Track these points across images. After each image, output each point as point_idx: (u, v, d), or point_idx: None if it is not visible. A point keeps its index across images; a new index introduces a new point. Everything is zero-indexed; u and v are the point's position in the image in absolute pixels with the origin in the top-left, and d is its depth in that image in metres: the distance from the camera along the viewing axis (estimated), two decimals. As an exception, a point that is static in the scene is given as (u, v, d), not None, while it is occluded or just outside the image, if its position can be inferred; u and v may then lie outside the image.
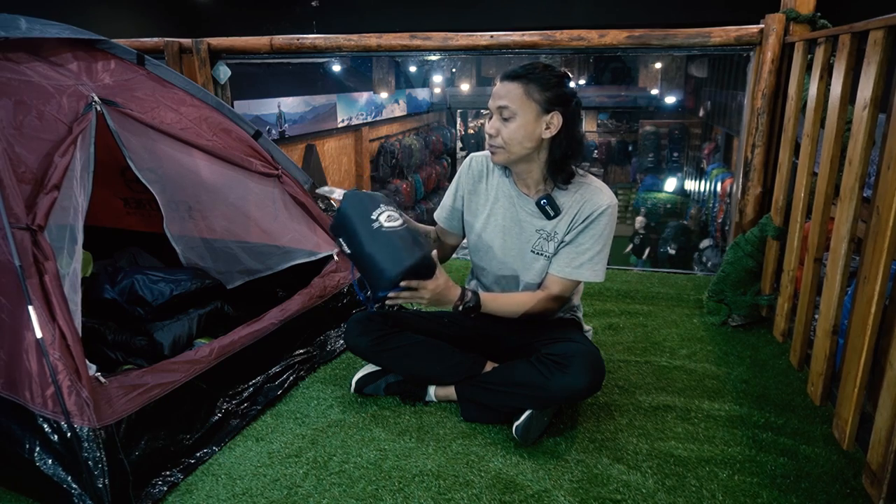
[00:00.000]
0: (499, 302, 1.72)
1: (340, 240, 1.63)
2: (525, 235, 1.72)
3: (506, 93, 1.59)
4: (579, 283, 1.74)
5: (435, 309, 1.73)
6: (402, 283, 1.55)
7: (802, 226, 2.04)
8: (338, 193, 1.69)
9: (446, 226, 1.88)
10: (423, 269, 1.56)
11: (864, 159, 1.56)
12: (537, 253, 1.72)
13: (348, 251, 1.62)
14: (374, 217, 1.57)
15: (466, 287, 1.71)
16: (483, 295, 1.70)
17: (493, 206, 1.76)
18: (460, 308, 1.65)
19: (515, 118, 1.59)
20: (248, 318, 1.95)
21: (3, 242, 1.42)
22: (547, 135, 1.61)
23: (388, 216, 1.58)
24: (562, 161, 1.64)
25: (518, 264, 1.75)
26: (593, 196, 1.66)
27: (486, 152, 1.76)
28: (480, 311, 1.67)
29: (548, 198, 1.66)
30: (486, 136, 1.66)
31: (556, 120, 1.59)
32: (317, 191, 1.67)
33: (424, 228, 1.90)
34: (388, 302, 1.60)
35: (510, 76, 1.60)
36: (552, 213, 1.67)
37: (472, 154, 1.85)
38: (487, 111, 1.66)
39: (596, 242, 1.67)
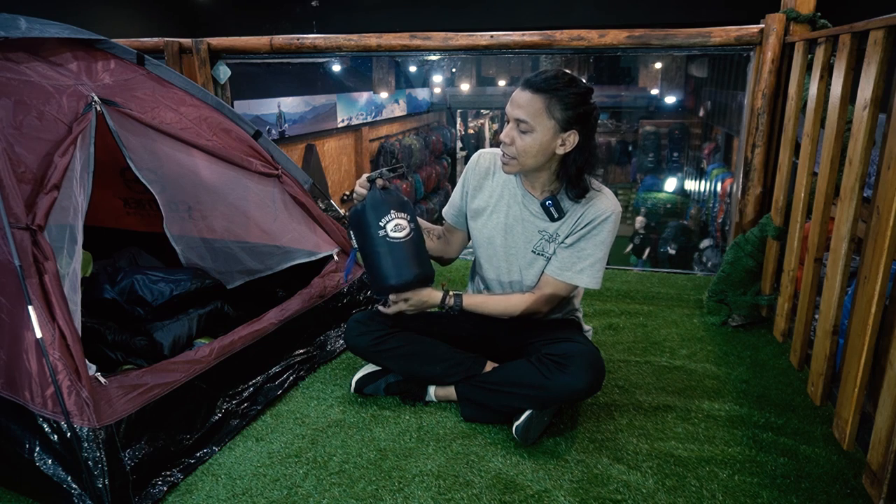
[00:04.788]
0: (480, 302, 1.75)
1: (351, 234, 1.72)
2: (527, 235, 1.72)
3: (526, 104, 1.54)
4: (575, 287, 1.73)
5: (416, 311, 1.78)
6: (392, 297, 1.69)
7: (802, 226, 2.04)
8: (363, 182, 1.70)
9: (454, 223, 1.88)
10: (416, 285, 1.67)
11: (865, 159, 1.56)
12: (538, 253, 1.72)
13: (355, 245, 1.72)
14: (381, 224, 1.63)
15: (450, 291, 1.73)
16: (466, 298, 1.73)
17: (497, 203, 1.76)
18: (444, 311, 1.72)
19: (532, 133, 1.56)
20: (248, 318, 1.95)
21: (2, 242, 1.42)
22: (561, 151, 1.58)
23: (396, 225, 1.63)
24: (577, 177, 1.62)
25: (519, 263, 1.75)
26: (598, 201, 1.65)
27: (495, 150, 1.75)
28: (462, 311, 1.73)
29: (553, 199, 1.65)
30: (501, 143, 1.63)
31: (572, 138, 1.57)
32: (366, 176, 1.71)
33: (428, 226, 1.90)
34: (381, 309, 1.73)
35: (534, 87, 1.54)
36: (556, 216, 1.66)
37: (480, 150, 1.84)
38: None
39: (598, 249, 1.67)
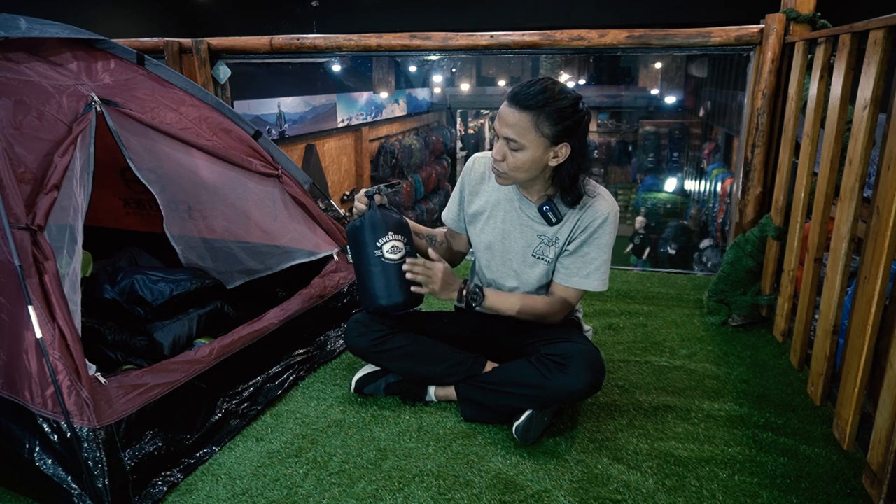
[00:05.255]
0: (502, 297, 1.73)
1: (348, 248, 1.75)
2: (526, 239, 1.72)
3: (514, 122, 1.52)
4: (585, 292, 1.74)
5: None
6: (405, 266, 1.65)
7: (802, 226, 2.04)
8: (362, 197, 1.73)
9: (455, 227, 1.88)
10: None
11: (864, 159, 1.56)
12: (537, 257, 1.72)
13: (350, 261, 1.75)
14: (378, 244, 1.66)
15: (469, 280, 1.72)
16: (487, 289, 1.72)
17: (494, 207, 1.76)
18: (464, 293, 1.67)
19: (523, 150, 1.54)
20: (248, 318, 1.95)
21: (2, 242, 1.42)
22: (553, 163, 1.58)
23: (392, 247, 1.66)
24: (570, 185, 1.61)
25: (518, 267, 1.75)
26: (595, 203, 1.64)
27: (489, 154, 1.75)
28: (485, 302, 1.69)
29: (550, 204, 1.65)
30: (492, 160, 1.61)
31: (564, 150, 1.56)
32: (364, 192, 1.74)
33: (430, 232, 1.91)
34: (404, 268, 1.67)
35: (520, 104, 1.51)
36: (554, 220, 1.66)
37: (475, 155, 1.83)
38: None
39: (601, 251, 1.67)
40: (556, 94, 1.51)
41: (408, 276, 1.64)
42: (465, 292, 1.68)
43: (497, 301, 1.72)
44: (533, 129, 1.51)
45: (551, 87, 1.52)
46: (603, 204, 1.64)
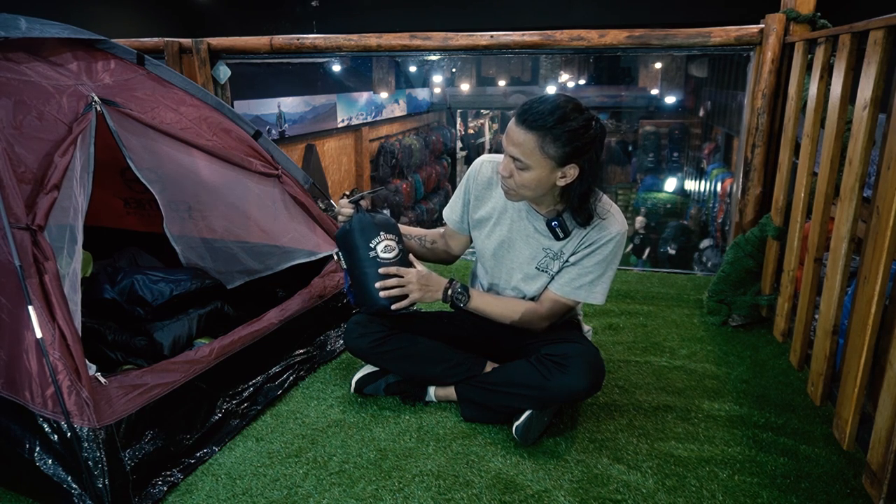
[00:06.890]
0: (487, 300, 1.74)
1: (340, 253, 1.76)
2: (531, 251, 1.70)
3: (520, 141, 1.48)
4: (575, 304, 1.72)
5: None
6: (381, 271, 1.66)
7: (802, 226, 2.04)
8: (345, 203, 1.73)
9: (456, 228, 1.86)
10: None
11: (864, 159, 1.56)
12: (541, 270, 1.70)
13: (344, 266, 1.75)
14: (371, 245, 1.67)
15: (455, 280, 1.73)
16: (473, 290, 1.73)
17: (500, 215, 1.73)
18: (449, 293, 1.69)
19: (529, 170, 1.51)
20: (248, 318, 1.95)
21: (3, 242, 1.42)
22: (562, 183, 1.54)
23: (386, 247, 1.67)
24: (580, 205, 1.57)
25: (520, 277, 1.74)
26: (604, 223, 1.62)
27: (496, 157, 1.73)
28: (469, 303, 1.70)
29: (559, 220, 1.62)
30: (500, 176, 1.59)
31: (572, 171, 1.52)
32: (349, 199, 1.73)
33: (420, 233, 1.90)
34: (382, 294, 1.68)
35: (526, 123, 1.47)
36: (562, 235, 1.63)
37: (482, 157, 1.79)
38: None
39: (598, 266, 1.65)
40: (567, 115, 1.46)
41: (382, 294, 1.65)
42: (450, 292, 1.69)
43: (482, 303, 1.72)
44: (538, 150, 1.48)
45: (563, 105, 1.47)
46: (612, 224, 1.62)
